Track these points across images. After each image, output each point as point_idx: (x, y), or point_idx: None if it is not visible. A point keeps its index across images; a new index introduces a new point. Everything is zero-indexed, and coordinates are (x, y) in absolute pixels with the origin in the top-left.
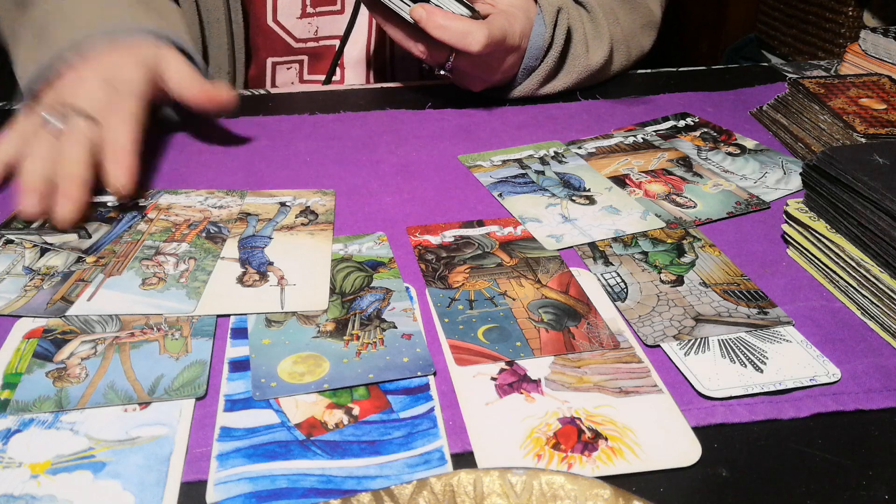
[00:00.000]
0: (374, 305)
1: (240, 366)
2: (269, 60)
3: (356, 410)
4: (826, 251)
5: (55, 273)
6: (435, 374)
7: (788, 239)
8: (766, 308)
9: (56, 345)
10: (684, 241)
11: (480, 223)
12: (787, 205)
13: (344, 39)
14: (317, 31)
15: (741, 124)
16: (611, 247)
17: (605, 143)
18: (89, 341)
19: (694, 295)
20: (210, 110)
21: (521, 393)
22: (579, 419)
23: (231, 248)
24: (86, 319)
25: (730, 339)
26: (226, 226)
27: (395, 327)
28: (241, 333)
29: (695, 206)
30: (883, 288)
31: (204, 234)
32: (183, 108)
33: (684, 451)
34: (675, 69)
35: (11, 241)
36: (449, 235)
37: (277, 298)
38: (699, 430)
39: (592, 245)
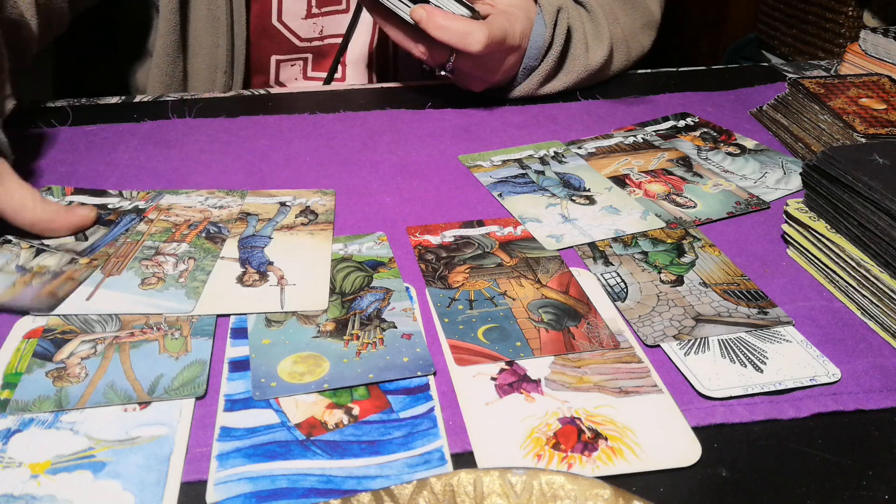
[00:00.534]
0: (374, 305)
1: (240, 366)
2: (274, 58)
3: (356, 410)
4: (826, 251)
5: (46, 272)
6: (435, 374)
7: (788, 239)
8: (766, 308)
9: (56, 344)
10: (684, 241)
11: (480, 223)
12: (787, 205)
13: (346, 38)
14: (321, 30)
15: (741, 124)
16: (611, 247)
17: (605, 143)
18: (89, 341)
19: (694, 295)
20: (53, 235)
21: (521, 393)
22: (579, 419)
23: (231, 248)
24: (85, 319)
25: (730, 339)
26: (226, 226)
27: (395, 327)
28: (241, 333)
29: (695, 206)
30: (883, 288)
31: (204, 234)
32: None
33: (684, 451)
34: (675, 69)
35: (10, 241)
36: (449, 235)
37: (277, 298)
38: (699, 430)
39: (592, 245)
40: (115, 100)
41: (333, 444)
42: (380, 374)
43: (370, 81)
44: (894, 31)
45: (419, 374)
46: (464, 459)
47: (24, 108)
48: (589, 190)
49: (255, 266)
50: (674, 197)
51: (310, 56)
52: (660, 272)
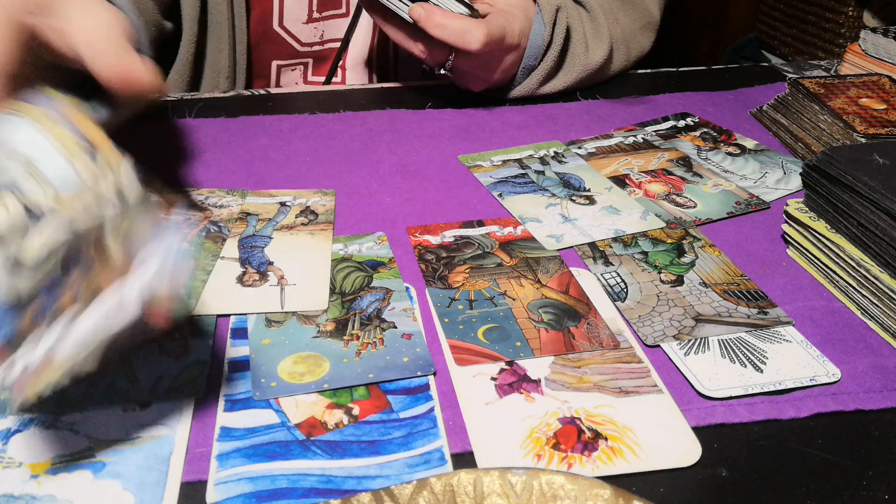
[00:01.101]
0: (374, 305)
1: (240, 366)
2: (275, 63)
3: (356, 410)
4: (826, 251)
5: None
6: (435, 374)
7: (788, 239)
8: (766, 308)
9: None
10: (684, 241)
11: (480, 223)
12: (787, 205)
13: (345, 41)
14: (322, 34)
15: (741, 124)
16: (611, 247)
17: (605, 143)
18: None
19: (694, 295)
20: (125, 95)
21: (521, 393)
22: (579, 419)
23: (231, 248)
24: None
25: (730, 339)
26: (226, 225)
27: (395, 327)
28: (241, 333)
29: (695, 206)
30: (883, 288)
31: (204, 234)
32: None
33: (684, 451)
34: (675, 69)
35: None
36: (449, 235)
37: (277, 298)
38: (699, 430)
39: (592, 245)
40: None
41: (333, 445)
42: (380, 374)
43: (370, 84)
44: (894, 31)
45: (419, 374)
46: (464, 459)
47: None
48: (589, 190)
49: (255, 266)
50: (674, 197)
51: (310, 61)
52: (660, 272)
